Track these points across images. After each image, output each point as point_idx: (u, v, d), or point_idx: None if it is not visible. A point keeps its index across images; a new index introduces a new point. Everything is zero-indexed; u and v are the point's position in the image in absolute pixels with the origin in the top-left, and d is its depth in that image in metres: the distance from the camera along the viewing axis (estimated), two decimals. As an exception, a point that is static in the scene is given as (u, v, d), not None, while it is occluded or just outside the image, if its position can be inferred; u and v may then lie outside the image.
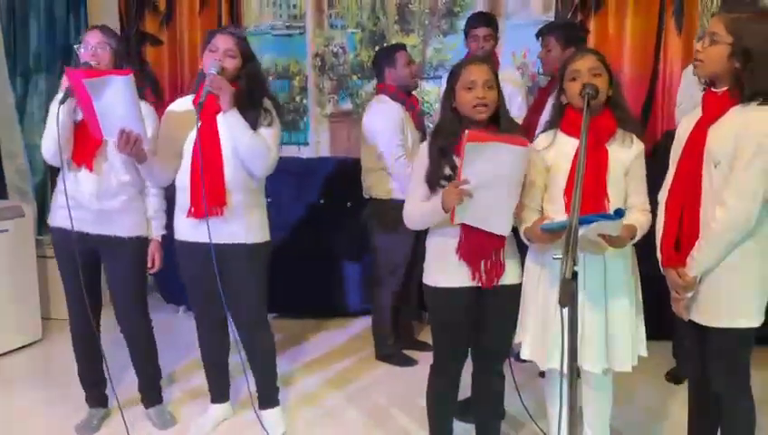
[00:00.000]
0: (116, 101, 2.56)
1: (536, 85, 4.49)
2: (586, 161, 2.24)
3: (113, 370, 3.03)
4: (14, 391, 3.50)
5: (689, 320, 2.23)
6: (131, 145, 2.63)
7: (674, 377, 3.45)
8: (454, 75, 2.38)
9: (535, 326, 2.41)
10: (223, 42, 2.74)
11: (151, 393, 3.14)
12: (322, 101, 5.12)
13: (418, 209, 2.39)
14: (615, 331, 2.35)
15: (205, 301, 2.91)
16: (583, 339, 2.33)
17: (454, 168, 2.32)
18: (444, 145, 2.35)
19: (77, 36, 4.83)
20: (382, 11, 4.94)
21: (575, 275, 1.65)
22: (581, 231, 2.04)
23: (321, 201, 4.71)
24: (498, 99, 2.36)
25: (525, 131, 3.06)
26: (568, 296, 1.61)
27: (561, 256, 1.70)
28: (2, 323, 3.88)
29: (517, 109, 3.74)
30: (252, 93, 2.79)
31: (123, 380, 3.33)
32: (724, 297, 2.15)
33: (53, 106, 2.74)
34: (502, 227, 2.34)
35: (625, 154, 2.34)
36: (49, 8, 4.73)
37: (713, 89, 2.18)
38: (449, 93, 2.38)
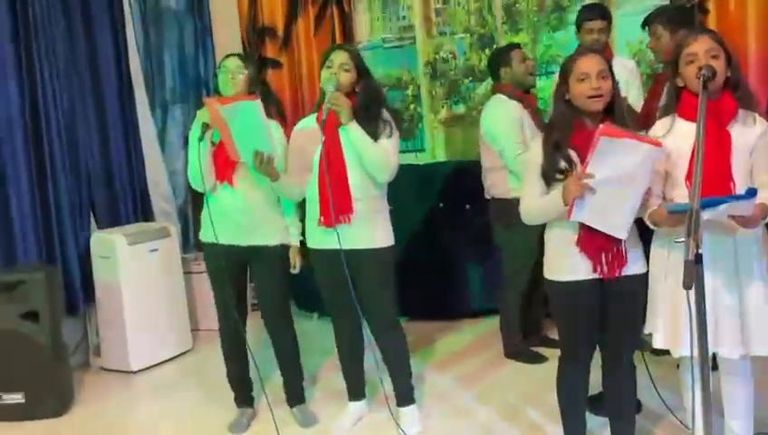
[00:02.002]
0: (247, 124, 2.79)
1: (654, 72, 4.38)
2: (709, 145, 2.23)
3: (262, 372, 3.25)
4: (171, 396, 3.83)
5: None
6: (265, 165, 2.85)
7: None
8: (566, 68, 2.39)
9: (666, 314, 2.37)
10: (337, 57, 2.92)
11: (295, 393, 3.34)
12: (436, 107, 5.23)
13: (536, 203, 2.43)
14: (750, 313, 2.29)
15: (339, 304, 3.06)
16: (717, 324, 2.29)
17: (569, 161, 2.34)
18: (558, 138, 2.37)
19: (206, 68, 5.24)
20: (489, 13, 4.98)
21: (699, 257, 1.65)
22: (710, 213, 2.01)
23: (441, 205, 4.80)
24: (613, 88, 2.36)
25: (645, 119, 3.02)
26: (692, 278, 1.60)
27: (683, 240, 1.70)
28: (157, 335, 4.25)
29: (635, 98, 3.68)
30: (369, 106, 2.94)
31: (270, 382, 3.56)
32: None
33: (192, 139, 3.03)
34: (620, 231, 2.30)
35: (748, 134, 2.29)
36: (180, 45, 5.15)
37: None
38: (562, 87, 2.40)
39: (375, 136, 2.90)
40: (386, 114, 2.98)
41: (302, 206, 3.16)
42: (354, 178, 2.92)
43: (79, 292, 4.19)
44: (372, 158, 2.89)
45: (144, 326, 4.16)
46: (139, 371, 4.14)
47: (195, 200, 5.10)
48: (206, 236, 3.17)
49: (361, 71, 2.97)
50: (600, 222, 2.30)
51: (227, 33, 5.42)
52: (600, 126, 2.20)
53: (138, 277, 4.16)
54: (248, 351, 3.20)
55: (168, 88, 5.12)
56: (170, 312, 4.35)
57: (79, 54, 4.38)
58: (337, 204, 2.90)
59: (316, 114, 2.98)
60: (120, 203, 4.61)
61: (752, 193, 2.05)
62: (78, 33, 4.37)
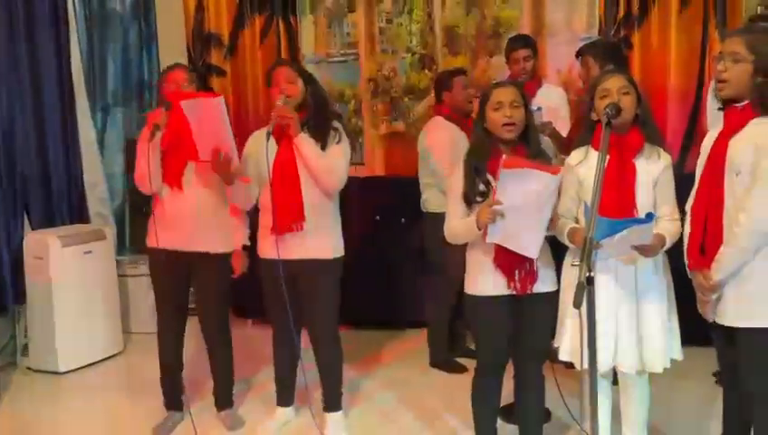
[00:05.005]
0: (209, 121, 2.82)
1: (581, 100, 4.61)
2: (614, 176, 2.43)
3: (191, 376, 3.31)
4: (100, 397, 3.84)
5: (717, 322, 2.35)
6: (224, 164, 2.89)
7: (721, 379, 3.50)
8: (484, 98, 2.56)
9: (573, 329, 2.54)
10: (280, 73, 3.01)
11: (224, 398, 3.41)
12: (376, 123, 5.37)
13: (457, 226, 2.58)
14: (647, 332, 2.49)
15: (283, 313, 3.00)
16: (618, 341, 2.49)
17: (488, 184, 2.51)
18: (477, 163, 2.54)
19: (150, 72, 5.26)
20: (431, 35, 5.16)
21: (590, 279, 1.82)
22: (612, 244, 2.19)
23: (377, 218, 4.94)
24: (526, 118, 2.54)
25: (569, 144, 3.22)
26: (581, 299, 1.77)
27: (578, 263, 1.87)
28: (88, 336, 4.24)
29: (562, 124, 3.90)
30: (319, 115, 3.03)
31: (198, 386, 3.62)
32: (750, 298, 2.25)
33: (140, 140, 3.04)
34: (531, 250, 2.46)
35: (653, 167, 2.49)
36: (124, 49, 5.16)
37: (735, 105, 2.30)
38: (481, 115, 2.57)
39: (325, 144, 2.98)
40: (336, 123, 3.06)
41: (249, 212, 3.21)
42: (306, 187, 2.97)
43: (9, 291, 4.17)
44: (318, 168, 2.94)
45: (74, 328, 4.16)
46: (67, 372, 4.13)
47: (132, 204, 5.11)
48: (150, 240, 3.19)
49: (307, 79, 3.04)
50: (512, 243, 2.47)
51: (173, 38, 5.44)
52: (503, 157, 2.37)
53: (71, 279, 4.16)
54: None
55: (109, 90, 5.12)
56: (102, 314, 4.35)
57: (19, 54, 4.36)
58: (288, 213, 2.95)
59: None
60: (55, 204, 4.59)
61: (650, 217, 2.25)
62: (19, 31, 4.35)
